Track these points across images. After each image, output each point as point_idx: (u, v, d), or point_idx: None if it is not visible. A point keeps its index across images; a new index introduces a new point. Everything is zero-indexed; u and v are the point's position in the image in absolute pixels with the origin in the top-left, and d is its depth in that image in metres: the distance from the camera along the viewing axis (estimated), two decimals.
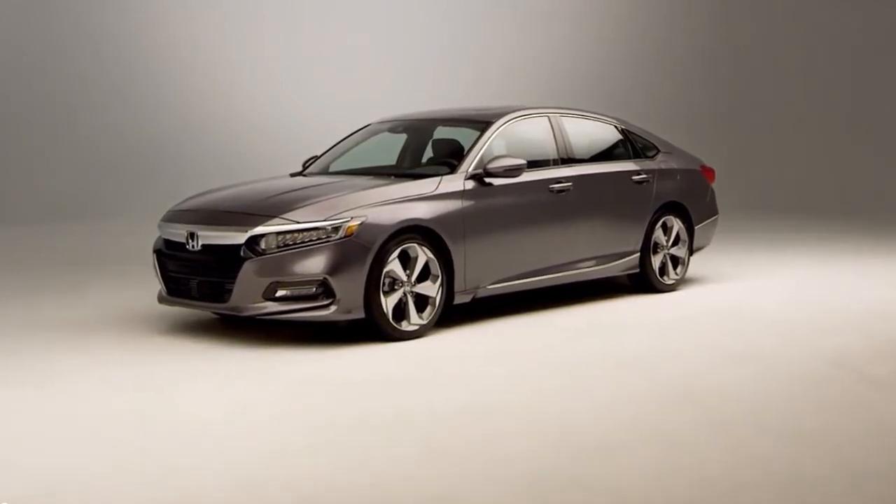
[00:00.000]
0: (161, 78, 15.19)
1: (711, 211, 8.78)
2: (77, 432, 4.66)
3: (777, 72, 16.39)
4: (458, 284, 6.73)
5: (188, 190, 8.55)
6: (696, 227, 8.51)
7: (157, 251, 6.84)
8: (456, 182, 6.83)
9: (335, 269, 6.13)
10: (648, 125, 9.80)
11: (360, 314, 6.25)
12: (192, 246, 6.45)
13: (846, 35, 15.96)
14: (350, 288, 6.17)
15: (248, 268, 6.14)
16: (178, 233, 6.60)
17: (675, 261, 8.34)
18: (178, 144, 14.95)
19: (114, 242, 11.62)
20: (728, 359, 5.97)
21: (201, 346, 6.33)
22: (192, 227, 6.49)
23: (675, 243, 8.35)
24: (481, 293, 6.94)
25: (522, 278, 7.21)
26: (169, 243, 6.74)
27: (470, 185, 6.87)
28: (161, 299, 6.81)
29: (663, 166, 8.38)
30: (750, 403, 5.03)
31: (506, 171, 6.92)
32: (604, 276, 7.90)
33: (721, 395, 5.18)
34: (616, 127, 8.28)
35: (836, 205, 14.38)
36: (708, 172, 8.84)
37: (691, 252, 8.53)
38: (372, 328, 6.36)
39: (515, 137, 7.46)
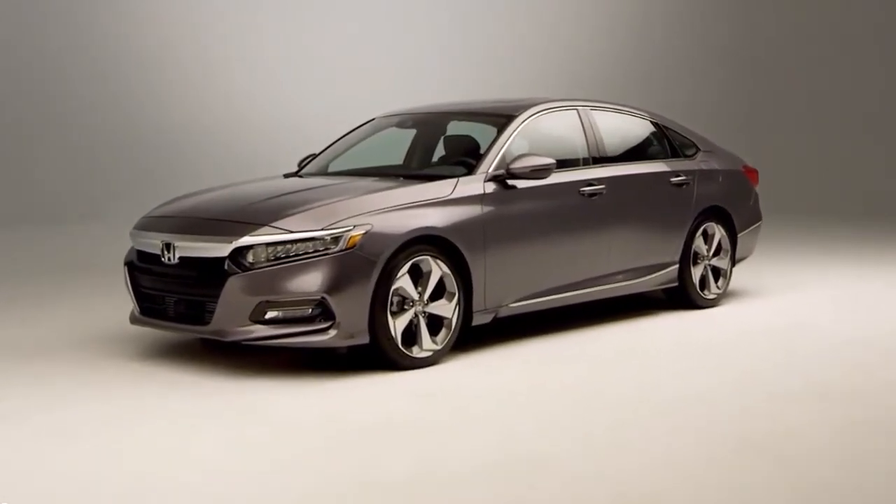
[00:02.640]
0: (153, 74, 14.41)
1: (755, 216, 7.87)
2: (17, 494, 3.74)
3: (798, 67, 15.53)
4: (478, 303, 5.82)
5: (180, 191, 7.57)
6: (739, 235, 7.60)
7: (128, 264, 5.93)
8: (475, 184, 5.91)
9: (335, 286, 5.21)
10: None
11: (364, 339, 5.34)
12: (168, 258, 5.54)
13: (871, 30, 15.11)
14: (352, 308, 5.26)
15: (232, 285, 5.23)
16: (152, 243, 5.69)
17: (716, 273, 7.43)
18: (172, 143, 14.19)
19: (96, 248, 10.72)
20: (793, 393, 5.08)
21: (177, 377, 5.41)
22: (167, 237, 5.58)
23: (717, 253, 7.45)
24: (503, 312, 6.03)
25: (549, 295, 6.30)
26: (142, 255, 5.83)
27: (491, 187, 5.96)
28: (133, 319, 5.90)
29: (704, 167, 7.46)
30: (837, 457, 4.12)
31: (532, 171, 6.01)
32: (639, 291, 6.99)
33: (796, 444, 4.27)
34: (651, 122, 7.37)
35: (866, 207, 13.49)
36: (751, 173, 7.94)
37: (734, 263, 7.61)
38: (378, 355, 5.45)
39: (540, 133, 6.54)
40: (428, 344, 5.56)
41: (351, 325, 5.27)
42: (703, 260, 7.32)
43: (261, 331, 5.26)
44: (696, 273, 7.26)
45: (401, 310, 5.46)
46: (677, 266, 7.12)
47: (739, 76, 15.83)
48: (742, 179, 7.79)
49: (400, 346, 5.43)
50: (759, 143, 14.90)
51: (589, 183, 6.50)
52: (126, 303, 6.67)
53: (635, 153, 7.14)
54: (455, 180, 5.88)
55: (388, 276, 5.36)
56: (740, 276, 8.26)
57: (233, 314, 5.26)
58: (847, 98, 15.28)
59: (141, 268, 5.80)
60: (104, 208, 13.16)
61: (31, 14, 13.80)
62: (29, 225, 12.39)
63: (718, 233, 7.41)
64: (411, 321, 5.50)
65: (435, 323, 5.62)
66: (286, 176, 6.84)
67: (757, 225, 7.88)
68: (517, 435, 4.41)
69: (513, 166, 5.98)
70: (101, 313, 7.15)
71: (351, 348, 5.49)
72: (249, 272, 5.23)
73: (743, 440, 4.33)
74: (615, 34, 15.79)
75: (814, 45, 15.59)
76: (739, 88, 15.77)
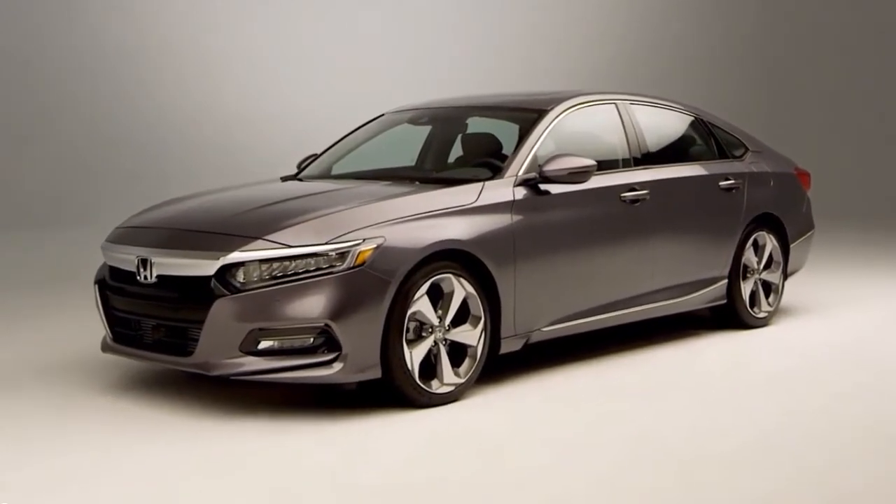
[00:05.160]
0: (146, 72, 13.59)
1: (807, 225, 7.05)
2: None
3: (822, 59, 14.75)
4: (507, 327, 4.99)
5: (173, 195, 6.63)
6: (791, 246, 6.78)
7: (99, 282, 5.10)
8: (503, 189, 5.09)
9: (341, 311, 4.38)
10: None
11: (376, 373, 4.51)
12: (145, 277, 4.71)
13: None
14: (361, 337, 4.43)
15: (219, 309, 4.40)
16: (126, 258, 4.86)
17: (767, 288, 6.61)
18: (164, 143, 13.37)
19: (81, 256, 9.81)
20: (879, 435, 4.33)
21: (155, 419, 4.57)
22: (144, 252, 4.75)
23: (768, 266, 6.62)
24: (536, 337, 5.20)
25: (588, 316, 5.47)
26: (115, 272, 5.00)
27: (521, 193, 5.13)
28: (105, 347, 5.07)
29: (754, 169, 6.64)
30: None
31: (570, 174, 5.18)
32: (685, 310, 6.17)
33: None
34: (696, 118, 6.55)
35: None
36: (803, 177, 7.11)
37: (785, 277, 6.79)
38: (391, 391, 4.62)
39: (573, 131, 5.71)
40: (450, 377, 4.74)
41: (360, 356, 4.44)
42: (752, 274, 6.50)
43: (253, 363, 4.43)
44: (746, 288, 6.45)
45: (418, 337, 4.64)
46: (726, 281, 6.30)
47: (759, 71, 15.04)
48: (794, 183, 6.97)
49: (417, 380, 4.61)
50: (779, 144, 14.09)
51: (631, 187, 5.68)
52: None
53: (680, 154, 6.34)
54: (480, 185, 5.06)
55: (403, 298, 4.54)
56: (789, 290, 7.42)
57: (220, 344, 4.43)
58: (877, 96, 14.48)
59: (113, 287, 4.97)
60: (92, 213, 12.32)
61: (19, 13, 13.00)
62: (10, 230, 11.54)
63: (770, 243, 6.60)
64: (430, 351, 4.69)
65: (458, 352, 4.80)
66: (283, 179, 6.01)
67: (809, 234, 7.07)
68: (566, 498, 3.58)
69: (547, 168, 5.15)
70: (79, 333, 6.30)
71: (360, 384, 4.66)
72: (240, 294, 4.40)
73: (840, 499, 3.53)
74: (631, 26, 15.00)
75: (836, 40, 14.82)
76: (758, 85, 14.98)
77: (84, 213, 12.28)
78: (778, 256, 6.67)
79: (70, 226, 11.82)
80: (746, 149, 6.74)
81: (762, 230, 6.54)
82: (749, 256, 6.46)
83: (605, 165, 5.64)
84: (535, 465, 3.95)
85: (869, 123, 14.42)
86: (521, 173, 5.19)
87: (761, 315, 6.53)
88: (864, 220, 12.35)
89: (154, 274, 4.68)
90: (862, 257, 9.60)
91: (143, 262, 4.72)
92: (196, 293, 4.51)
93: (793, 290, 7.38)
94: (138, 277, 4.75)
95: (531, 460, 4.02)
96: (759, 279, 6.55)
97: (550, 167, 5.14)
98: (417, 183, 5.30)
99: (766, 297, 6.59)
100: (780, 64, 15.08)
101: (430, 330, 4.68)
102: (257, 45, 13.94)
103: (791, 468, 3.90)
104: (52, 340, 6.21)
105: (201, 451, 4.10)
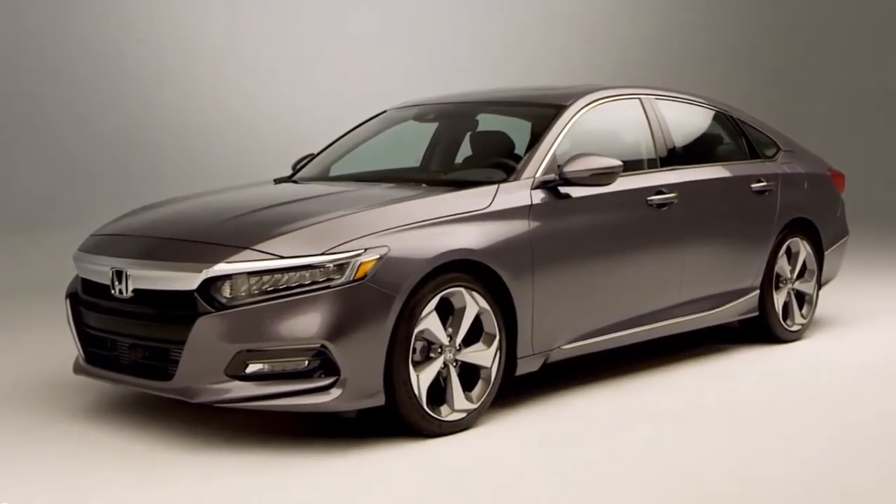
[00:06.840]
0: (136, 67, 13.15)
1: (842, 230, 6.57)
2: None
3: (833, 54, 14.31)
4: (523, 346, 4.50)
5: (166, 196, 6.07)
6: (826, 253, 6.29)
7: (71, 296, 4.60)
8: (519, 193, 4.59)
9: (339, 330, 3.90)
10: None
11: (379, 400, 4.02)
12: (121, 291, 4.22)
13: None
14: (363, 359, 3.95)
15: (203, 327, 3.92)
16: (100, 270, 4.37)
17: (800, 298, 6.13)
18: (158, 144, 12.94)
19: (65, 262, 9.35)
20: None
21: (130, 450, 4.08)
22: (119, 263, 4.26)
23: (801, 275, 6.13)
24: (555, 356, 4.71)
25: (611, 332, 4.98)
26: (88, 285, 4.50)
27: (539, 196, 4.64)
28: (77, 369, 4.56)
29: (787, 170, 6.16)
30: None
31: (593, 175, 4.68)
32: (715, 323, 5.68)
33: None
34: (725, 115, 6.06)
35: None
36: (837, 178, 6.63)
37: (819, 286, 6.30)
38: (396, 419, 4.14)
39: (594, 128, 5.22)
40: (461, 402, 4.25)
41: (361, 381, 3.96)
42: (785, 283, 6.02)
43: (241, 389, 3.94)
44: (779, 299, 5.96)
45: (426, 359, 4.16)
46: (758, 292, 5.82)
47: (772, 67, 14.60)
48: (829, 185, 6.49)
49: (425, 406, 4.12)
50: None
51: (658, 190, 5.19)
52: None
53: (708, 153, 5.86)
54: (494, 188, 4.57)
55: (409, 315, 4.05)
56: (822, 301, 6.91)
57: (204, 366, 3.95)
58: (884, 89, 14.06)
59: (86, 302, 4.47)
60: (86, 215, 11.84)
61: (14, 13, 12.56)
62: (4, 233, 11.05)
63: (804, 251, 6.11)
64: (439, 373, 4.21)
65: (470, 374, 4.32)
66: (277, 182, 5.51)
67: (844, 240, 6.59)
68: None
69: (568, 169, 4.66)
70: (52, 351, 5.80)
71: (360, 412, 4.15)
72: (226, 311, 3.92)
73: None
74: (638, 21, 14.55)
75: (850, 35, 14.38)
76: (767, 77, 14.55)
77: (77, 216, 11.81)
78: (812, 264, 6.19)
79: (63, 228, 11.35)
80: (778, 148, 6.26)
81: (796, 236, 6.05)
82: (782, 265, 5.98)
83: (628, 166, 5.13)
84: (554, 501, 3.46)
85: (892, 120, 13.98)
86: (538, 175, 4.70)
87: (795, 328, 6.05)
88: (889, 222, 11.86)
89: (130, 288, 4.19)
90: (892, 263, 9.12)
91: (118, 275, 4.22)
92: (177, 310, 4.03)
93: (825, 301, 6.87)
94: (113, 291, 4.25)
95: (550, 495, 3.53)
96: (793, 289, 6.07)
97: (571, 168, 4.65)
98: (424, 186, 4.81)
99: (800, 308, 6.11)
100: (795, 59, 14.65)
101: (438, 350, 4.19)
102: (255, 44, 13.50)
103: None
104: (23, 359, 5.71)
105: (185, 492, 3.61)
